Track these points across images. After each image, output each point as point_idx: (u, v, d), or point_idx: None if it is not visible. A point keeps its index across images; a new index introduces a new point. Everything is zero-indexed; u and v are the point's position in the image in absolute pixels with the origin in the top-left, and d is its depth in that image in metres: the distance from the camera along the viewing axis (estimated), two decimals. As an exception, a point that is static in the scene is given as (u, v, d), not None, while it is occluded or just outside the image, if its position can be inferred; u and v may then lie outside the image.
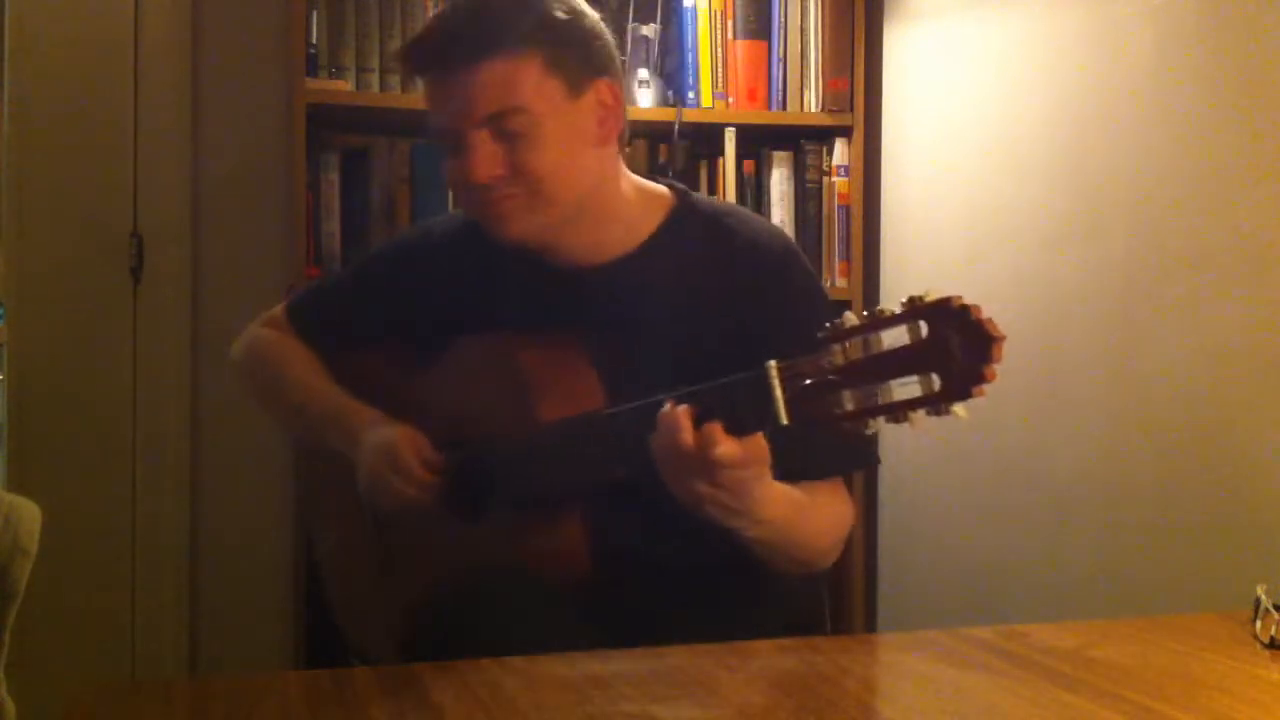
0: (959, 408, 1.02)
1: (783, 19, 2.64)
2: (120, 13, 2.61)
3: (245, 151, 2.67)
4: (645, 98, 2.58)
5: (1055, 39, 2.16)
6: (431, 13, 2.53)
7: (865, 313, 1.08)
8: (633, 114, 2.53)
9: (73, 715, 0.93)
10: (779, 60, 2.64)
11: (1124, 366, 1.97)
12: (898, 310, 1.05)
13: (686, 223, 1.50)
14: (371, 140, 2.55)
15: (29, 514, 1.72)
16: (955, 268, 2.40)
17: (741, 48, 2.63)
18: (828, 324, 1.10)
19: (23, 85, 2.58)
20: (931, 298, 1.03)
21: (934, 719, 1.00)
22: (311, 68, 2.45)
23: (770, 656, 1.16)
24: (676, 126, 2.57)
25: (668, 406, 1.21)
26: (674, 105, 2.59)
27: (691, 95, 2.61)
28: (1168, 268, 1.90)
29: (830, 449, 1.40)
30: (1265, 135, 1.74)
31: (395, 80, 2.52)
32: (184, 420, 2.65)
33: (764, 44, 2.64)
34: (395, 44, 2.52)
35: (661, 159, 2.65)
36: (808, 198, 2.65)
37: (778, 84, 2.64)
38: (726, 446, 1.18)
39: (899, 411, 1.05)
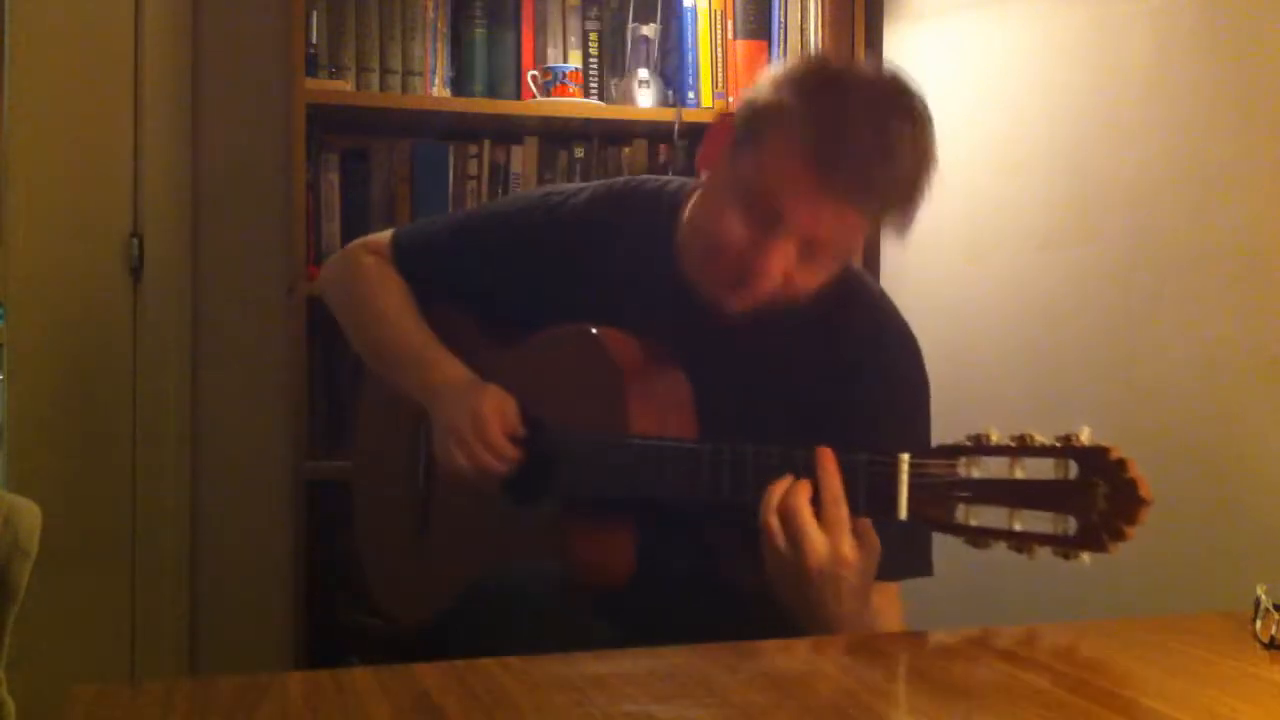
0: (1086, 556, 1.01)
1: (783, 19, 2.64)
2: (120, 13, 2.61)
3: (245, 151, 2.67)
4: (645, 98, 2.58)
5: (1055, 39, 2.16)
6: (432, 15, 2.53)
7: (1013, 436, 1.06)
8: (633, 114, 2.56)
9: (73, 715, 0.93)
10: (779, 60, 2.64)
11: (1123, 366, 1.97)
12: (1048, 442, 1.04)
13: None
14: (371, 140, 2.55)
15: (29, 514, 1.72)
16: (955, 268, 2.40)
17: (741, 48, 2.64)
18: (973, 435, 1.09)
19: (23, 85, 2.58)
20: (1086, 438, 1.02)
21: (934, 719, 1.00)
22: (311, 68, 2.45)
23: (770, 656, 1.16)
24: (676, 126, 2.57)
25: (788, 481, 1.19)
26: (674, 105, 2.59)
27: (691, 95, 2.61)
28: (1167, 268, 1.90)
29: (896, 552, 1.32)
30: (1264, 135, 1.74)
31: (395, 80, 2.52)
32: (184, 420, 2.65)
33: (764, 44, 2.64)
34: (395, 44, 2.52)
35: (661, 159, 2.65)
36: (808, 198, 2.65)
37: (778, 84, 2.64)
38: (849, 549, 1.17)
39: (1027, 543, 1.04)
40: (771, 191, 1.29)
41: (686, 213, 1.41)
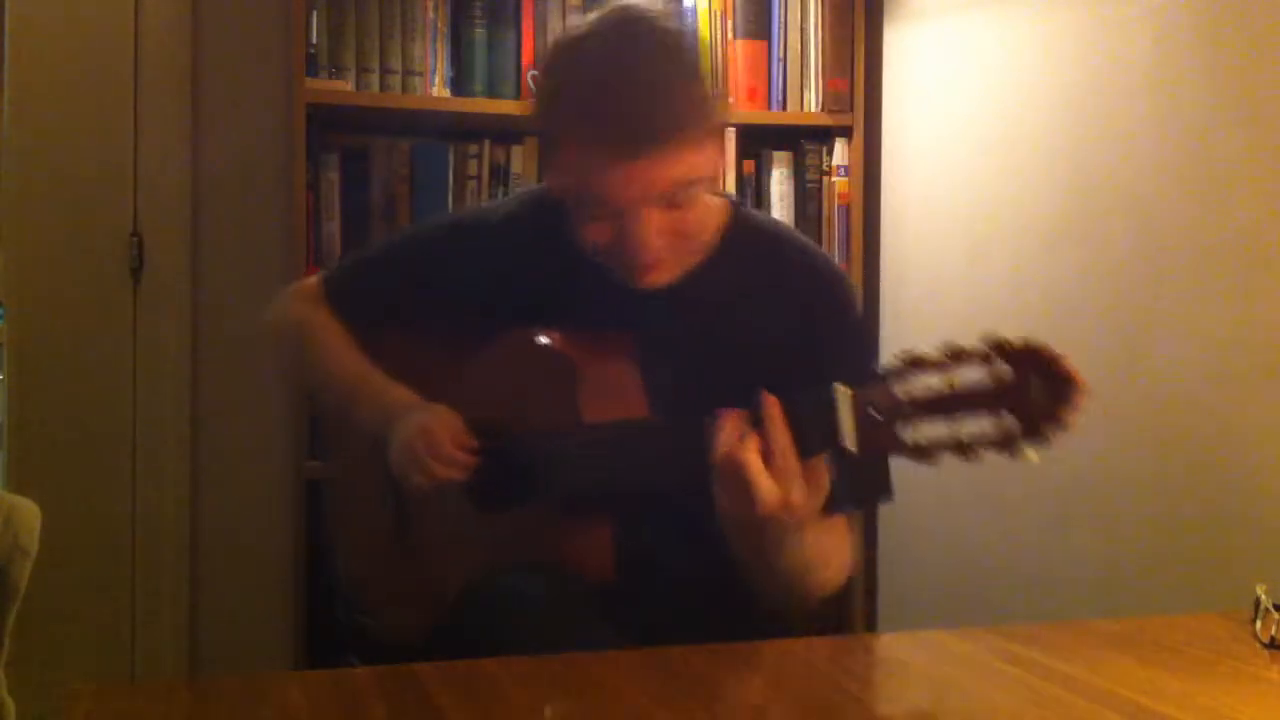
0: (1031, 450, 1.02)
1: (783, 19, 2.63)
2: (120, 13, 2.61)
3: (245, 151, 2.67)
4: (645, 98, 2.58)
5: (1055, 39, 2.16)
6: (432, 15, 2.53)
7: (943, 347, 1.07)
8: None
9: (73, 715, 0.93)
10: (779, 60, 2.64)
11: (1124, 366, 1.97)
12: (978, 348, 1.04)
13: (743, 239, 1.49)
14: (371, 140, 2.54)
15: (29, 514, 1.72)
16: (955, 268, 2.40)
17: (741, 47, 2.63)
18: (902, 352, 1.09)
19: (23, 85, 2.58)
20: (1017, 341, 1.03)
21: (934, 719, 1.00)
22: (311, 68, 2.45)
23: (770, 656, 1.16)
24: (676, 126, 2.56)
25: (737, 421, 1.19)
26: (674, 105, 2.59)
27: (691, 95, 2.61)
28: (1168, 268, 1.90)
29: (854, 481, 1.34)
30: (1265, 135, 1.74)
31: (395, 80, 2.52)
32: (184, 420, 2.65)
33: (764, 44, 2.64)
34: (395, 44, 2.52)
35: (661, 159, 2.64)
36: (808, 198, 2.65)
37: (778, 84, 2.64)
38: (799, 495, 1.17)
39: (972, 449, 1.05)
40: (587, 189, 1.32)
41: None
